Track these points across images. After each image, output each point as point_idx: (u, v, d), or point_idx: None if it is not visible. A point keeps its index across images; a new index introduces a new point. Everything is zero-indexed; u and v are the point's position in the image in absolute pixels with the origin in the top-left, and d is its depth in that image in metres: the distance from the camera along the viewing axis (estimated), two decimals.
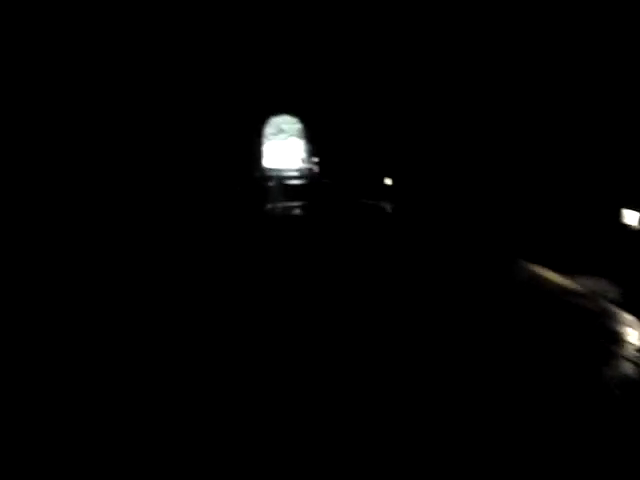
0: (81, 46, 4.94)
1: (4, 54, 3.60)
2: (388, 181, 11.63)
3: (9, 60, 3.62)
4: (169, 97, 7.92)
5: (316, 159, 27.85)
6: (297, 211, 9.61)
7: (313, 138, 29.41)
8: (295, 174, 26.72)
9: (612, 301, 3.75)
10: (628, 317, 3.45)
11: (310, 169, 31.08)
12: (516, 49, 5.78)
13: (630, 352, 2.90)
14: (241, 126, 19.76)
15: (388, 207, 10.42)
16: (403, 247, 6.11)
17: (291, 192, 14.48)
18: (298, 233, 7.15)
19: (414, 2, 8.96)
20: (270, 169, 35.19)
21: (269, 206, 10.70)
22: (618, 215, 4.62)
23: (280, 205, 10.87)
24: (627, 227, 4.49)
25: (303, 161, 37.23)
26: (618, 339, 3.08)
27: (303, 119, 32.44)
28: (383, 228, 7.61)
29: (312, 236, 6.89)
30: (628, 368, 2.69)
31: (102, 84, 5.45)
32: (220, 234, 7.15)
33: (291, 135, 74.84)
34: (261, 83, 20.94)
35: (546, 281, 4.28)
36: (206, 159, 10.85)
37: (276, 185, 17.88)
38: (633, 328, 3.26)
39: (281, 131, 76.80)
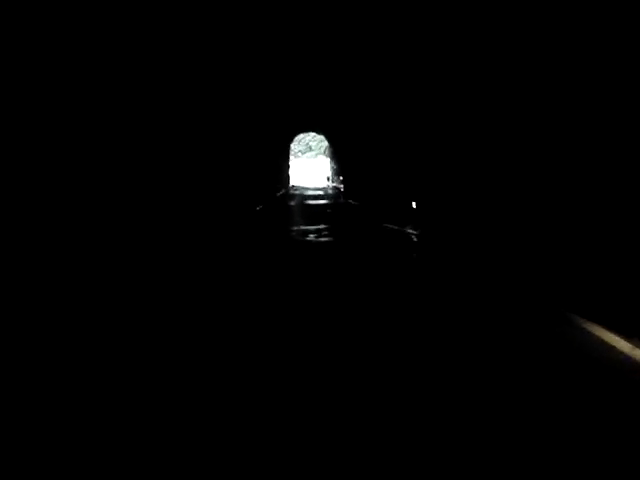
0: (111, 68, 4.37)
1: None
2: (414, 204, 10.70)
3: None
4: (189, 109, 7.27)
5: (341, 178, 27.08)
6: (312, 236, 8.76)
7: (339, 156, 28.69)
8: (319, 193, 25.98)
9: None
10: None
11: (336, 188, 30.35)
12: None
13: None
14: (265, 142, 19.18)
15: (413, 234, 9.47)
16: (425, 292, 5.16)
17: (312, 213, 13.68)
18: (310, 266, 6.28)
19: (450, 23, 8.14)
20: (296, 187, 34.64)
21: (286, 229, 9.90)
22: None
23: (297, 229, 10.05)
24: None
25: (329, 179, 36.59)
26: None
27: (329, 137, 31.82)
28: (405, 263, 6.67)
29: (327, 270, 6.01)
30: None
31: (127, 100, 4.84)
32: (224, 260, 6.36)
33: (319, 153, 74.70)
34: (288, 99, 20.41)
35: (614, 353, 3.09)
36: (223, 174, 10.16)
37: (298, 204, 17.13)
38: None
39: (309, 149, 76.89)
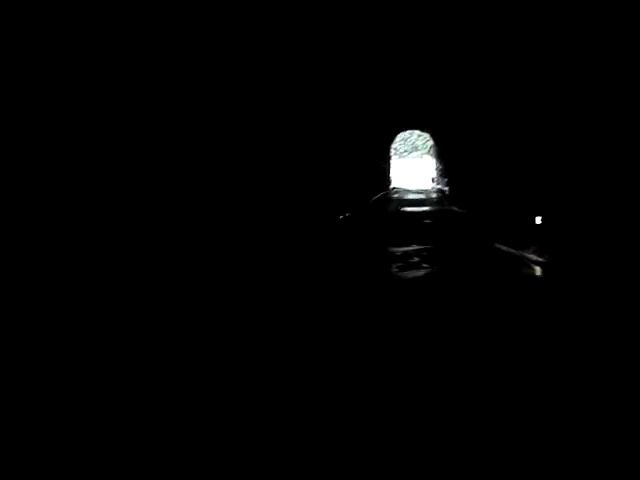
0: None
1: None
2: (538, 219, 8.03)
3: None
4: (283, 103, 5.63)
5: (446, 180, 24.19)
6: (395, 268, 6.58)
7: (444, 156, 25.78)
8: (421, 197, 23.36)
9: None
10: None
11: (440, 190, 27.44)
12: None
13: None
14: (361, 140, 17.19)
15: (537, 263, 6.89)
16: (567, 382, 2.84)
17: (406, 225, 11.42)
18: (363, 343, 4.20)
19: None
20: (397, 189, 32.15)
21: (363, 251, 7.83)
22: None
23: (379, 251, 7.92)
24: None
25: (434, 181, 33.55)
26: None
27: (434, 135, 29.00)
28: (530, 316, 4.30)
29: (384, 354, 3.90)
30: None
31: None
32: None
33: (424, 153, 71.24)
34: (389, 94, 18.27)
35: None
36: (298, 176, 8.41)
37: (393, 212, 14.91)
38: None
39: (415, 148, 73.61)
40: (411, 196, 24.03)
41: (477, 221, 12.13)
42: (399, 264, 6.69)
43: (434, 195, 24.63)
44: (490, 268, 6.52)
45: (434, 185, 32.66)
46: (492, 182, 11.67)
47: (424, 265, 6.59)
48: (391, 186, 34.23)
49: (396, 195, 25.12)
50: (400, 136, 71.40)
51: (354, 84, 14.32)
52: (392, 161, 67.52)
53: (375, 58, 12.92)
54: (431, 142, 67.32)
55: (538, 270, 6.53)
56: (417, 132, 69.74)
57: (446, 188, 24.30)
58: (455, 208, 15.99)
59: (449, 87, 15.69)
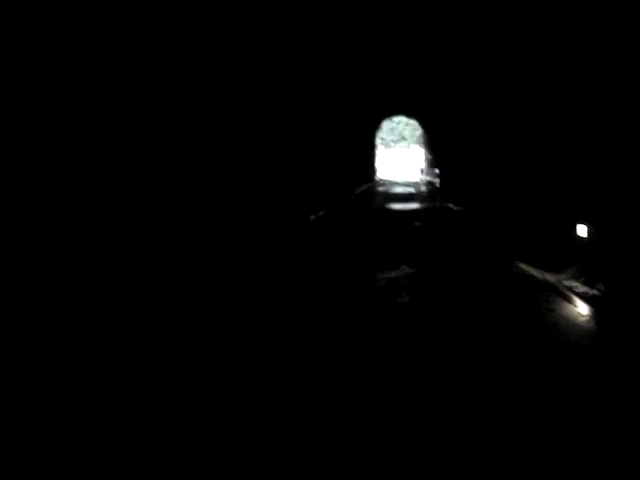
0: None
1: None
2: (581, 229, 5.60)
3: None
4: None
5: (437, 171, 21.73)
6: (375, 318, 4.10)
7: (434, 145, 23.25)
8: (409, 190, 20.86)
9: None
10: None
11: (430, 183, 25.00)
12: None
13: None
14: (340, 129, 14.63)
15: (585, 298, 4.45)
16: None
17: (391, 230, 8.96)
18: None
19: None
20: (382, 181, 29.62)
21: (323, 280, 5.35)
22: None
23: (347, 281, 5.45)
24: None
25: (422, 172, 31.06)
26: None
27: (422, 121, 26.50)
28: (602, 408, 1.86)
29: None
30: None
31: None
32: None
33: (412, 142, 68.75)
34: (370, 77, 15.72)
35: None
36: (259, 169, 6.00)
37: (376, 209, 12.42)
38: None
39: (402, 138, 70.96)
40: (398, 189, 21.55)
41: (482, 224, 9.67)
42: (381, 307, 4.20)
43: (424, 188, 22.19)
44: (518, 312, 4.07)
45: (423, 177, 30.20)
46: (501, 172, 9.19)
47: (418, 310, 4.10)
48: (377, 177, 31.72)
49: (382, 188, 22.61)
50: (387, 125, 68.71)
51: (334, 65, 11.74)
52: (378, 151, 64.91)
53: (358, 37, 10.42)
54: (419, 132, 64.87)
55: (587, 311, 4.12)
56: (404, 121, 67.05)
57: (437, 180, 21.83)
58: (451, 205, 13.52)
59: (438, 66, 13.19)
